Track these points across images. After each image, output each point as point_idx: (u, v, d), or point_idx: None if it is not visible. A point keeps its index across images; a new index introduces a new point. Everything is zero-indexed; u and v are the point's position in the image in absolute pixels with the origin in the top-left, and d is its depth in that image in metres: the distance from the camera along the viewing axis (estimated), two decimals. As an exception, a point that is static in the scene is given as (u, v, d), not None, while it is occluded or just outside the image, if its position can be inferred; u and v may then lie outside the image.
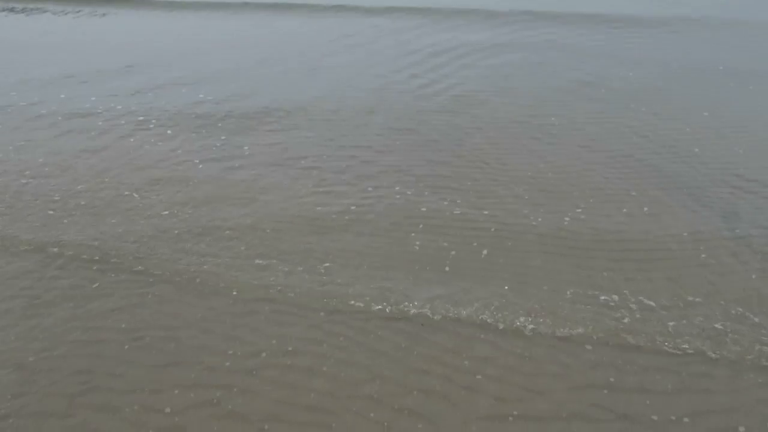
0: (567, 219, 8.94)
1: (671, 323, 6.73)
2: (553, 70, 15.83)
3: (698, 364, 6.20)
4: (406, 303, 7.20)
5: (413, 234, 8.64)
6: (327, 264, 8.01)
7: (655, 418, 5.63)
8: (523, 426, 5.56)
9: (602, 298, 7.18)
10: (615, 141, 11.54)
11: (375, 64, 16.61)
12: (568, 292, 7.31)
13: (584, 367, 6.19)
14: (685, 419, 5.61)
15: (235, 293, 7.54)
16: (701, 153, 10.86)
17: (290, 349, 6.58)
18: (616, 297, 7.18)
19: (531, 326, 6.74)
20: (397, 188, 9.91)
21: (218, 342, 6.72)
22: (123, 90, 15.15)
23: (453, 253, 8.19)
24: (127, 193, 10.11)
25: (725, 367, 6.16)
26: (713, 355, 6.29)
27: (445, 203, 9.42)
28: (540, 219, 8.93)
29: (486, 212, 9.13)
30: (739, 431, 5.49)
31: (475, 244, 8.37)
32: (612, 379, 6.03)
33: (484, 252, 8.19)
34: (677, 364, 6.21)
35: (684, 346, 6.41)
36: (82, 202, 9.84)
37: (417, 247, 8.34)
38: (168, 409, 5.87)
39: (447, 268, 7.89)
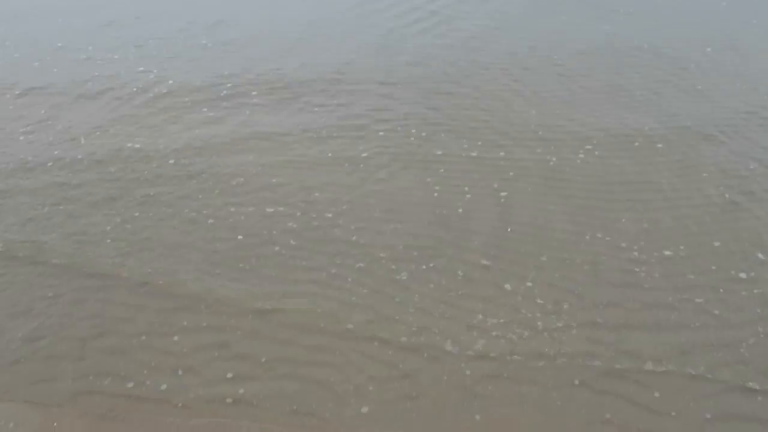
0: (581, 155, 8.93)
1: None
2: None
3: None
4: (413, 242, 7.26)
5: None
6: (333, 208, 8.02)
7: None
8: (527, 362, 5.65)
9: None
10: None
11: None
12: (587, 236, 7.34)
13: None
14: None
15: (240, 237, 7.59)
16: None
17: (295, 290, 6.66)
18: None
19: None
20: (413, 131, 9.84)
21: (224, 285, 6.80)
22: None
23: (468, 196, 8.20)
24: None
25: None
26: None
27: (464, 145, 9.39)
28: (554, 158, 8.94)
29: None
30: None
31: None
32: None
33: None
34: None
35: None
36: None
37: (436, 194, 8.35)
38: (177, 352, 5.99)
39: (460, 210, 7.92)
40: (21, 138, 9.91)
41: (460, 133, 9.73)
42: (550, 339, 5.88)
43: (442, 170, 8.71)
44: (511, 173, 8.59)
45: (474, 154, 9.12)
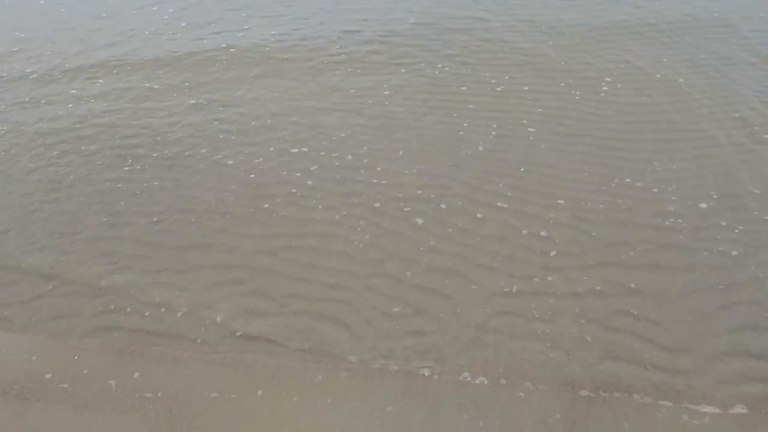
0: (605, 88, 8.80)
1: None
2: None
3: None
4: (430, 182, 7.23)
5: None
6: (351, 153, 7.98)
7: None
8: (539, 300, 5.69)
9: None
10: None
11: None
12: (606, 176, 7.27)
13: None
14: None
15: (252, 176, 7.59)
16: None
17: (309, 230, 6.69)
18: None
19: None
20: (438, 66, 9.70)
21: (239, 224, 6.84)
22: None
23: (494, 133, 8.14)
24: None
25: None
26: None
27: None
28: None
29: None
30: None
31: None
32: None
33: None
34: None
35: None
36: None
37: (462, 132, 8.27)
38: (193, 289, 6.07)
39: (481, 148, 7.85)
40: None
41: (484, 68, 9.67)
42: (564, 278, 5.89)
43: (469, 107, 8.68)
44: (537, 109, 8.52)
45: (499, 89, 9.08)
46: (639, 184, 7.05)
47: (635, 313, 5.52)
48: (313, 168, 7.65)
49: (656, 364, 5.05)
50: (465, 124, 8.33)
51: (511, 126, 8.27)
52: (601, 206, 6.75)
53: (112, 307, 5.96)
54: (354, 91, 9.28)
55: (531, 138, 7.99)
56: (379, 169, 7.57)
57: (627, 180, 7.11)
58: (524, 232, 6.45)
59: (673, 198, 6.80)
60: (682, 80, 9.10)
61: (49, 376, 5.28)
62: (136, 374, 5.25)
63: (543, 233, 6.42)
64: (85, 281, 6.26)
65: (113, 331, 5.72)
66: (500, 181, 7.20)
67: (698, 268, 5.94)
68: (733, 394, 4.80)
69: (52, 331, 5.77)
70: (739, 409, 4.68)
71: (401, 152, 7.83)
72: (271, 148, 8.11)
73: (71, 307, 6.00)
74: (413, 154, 7.80)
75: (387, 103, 8.93)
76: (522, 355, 5.20)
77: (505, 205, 6.82)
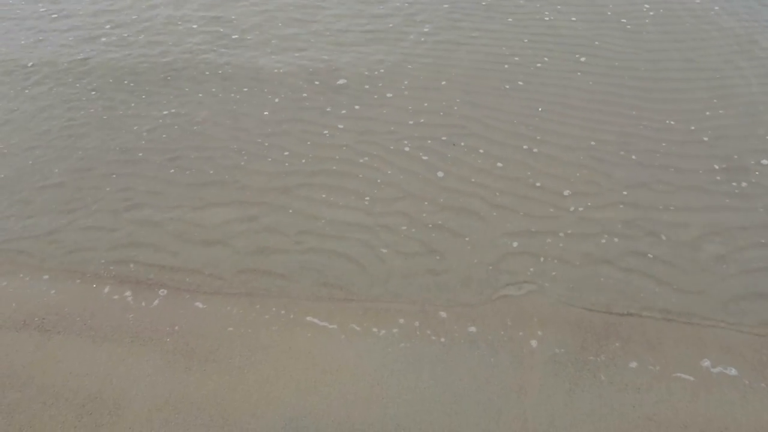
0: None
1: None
2: None
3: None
4: (445, 120, 7.13)
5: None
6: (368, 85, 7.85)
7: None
8: (554, 242, 5.66)
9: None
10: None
11: None
12: (623, 113, 7.12)
13: (617, 186, 6.18)
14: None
15: (266, 113, 7.51)
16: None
17: (322, 168, 6.64)
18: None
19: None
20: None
21: (252, 162, 6.80)
22: None
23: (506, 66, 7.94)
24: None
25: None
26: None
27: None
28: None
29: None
30: None
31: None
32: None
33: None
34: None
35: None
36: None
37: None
38: (208, 225, 6.10)
39: (497, 86, 7.70)
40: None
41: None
42: (578, 218, 5.85)
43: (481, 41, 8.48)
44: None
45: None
46: (669, 123, 6.92)
47: (650, 254, 5.49)
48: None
49: (670, 308, 5.05)
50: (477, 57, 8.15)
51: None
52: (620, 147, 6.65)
53: (128, 242, 6.00)
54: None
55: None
56: (387, 101, 7.46)
57: (652, 119, 6.98)
58: (542, 171, 6.38)
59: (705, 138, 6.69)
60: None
61: (67, 309, 5.37)
62: (153, 308, 5.33)
63: (560, 173, 6.35)
64: (101, 216, 6.30)
65: (129, 265, 5.78)
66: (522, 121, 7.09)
67: (717, 210, 5.87)
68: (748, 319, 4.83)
69: (69, 265, 5.83)
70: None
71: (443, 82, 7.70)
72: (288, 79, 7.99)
73: (88, 241, 6.05)
74: (427, 92, 7.66)
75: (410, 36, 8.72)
76: (534, 294, 5.21)
77: (525, 145, 6.74)
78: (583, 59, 8.09)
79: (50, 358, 4.97)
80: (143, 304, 5.39)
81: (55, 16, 10.03)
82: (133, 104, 7.88)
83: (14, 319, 5.31)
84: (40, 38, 9.42)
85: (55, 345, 5.07)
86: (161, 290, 5.50)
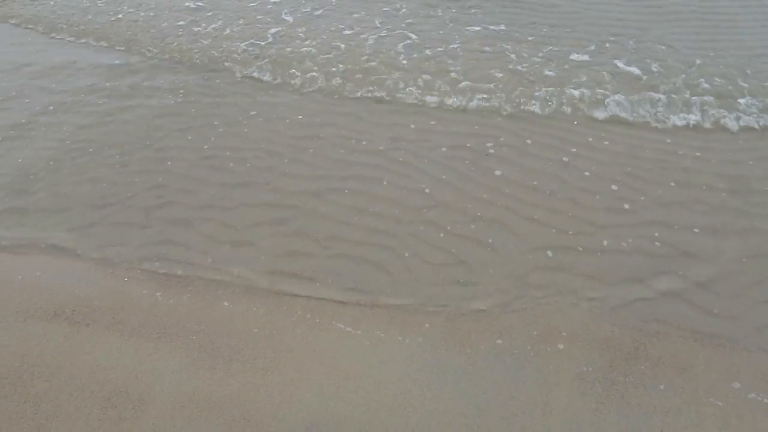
0: None
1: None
2: None
3: None
4: (476, 130, 7.09)
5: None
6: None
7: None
8: (586, 258, 5.58)
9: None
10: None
11: None
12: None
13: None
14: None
15: (300, 117, 7.56)
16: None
17: (353, 173, 6.65)
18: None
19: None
20: None
21: (284, 164, 6.85)
22: None
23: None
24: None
25: None
26: None
27: None
28: None
29: None
30: None
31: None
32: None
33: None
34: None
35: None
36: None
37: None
38: (238, 226, 6.14)
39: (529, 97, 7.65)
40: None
41: None
42: (610, 235, 5.76)
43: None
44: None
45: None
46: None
47: (684, 275, 5.38)
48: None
49: (703, 330, 4.93)
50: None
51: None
52: (657, 163, 6.53)
53: (159, 239, 6.08)
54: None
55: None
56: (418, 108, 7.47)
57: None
58: (576, 185, 6.31)
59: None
60: None
61: (97, 302, 5.44)
62: (181, 306, 5.38)
63: (594, 188, 6.26)
64: (133, 213, 6.39)
65: (159, 262, 5.84)
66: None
67: (754, 233, 5.74)
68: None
69: (101, 259, 5.92)
70: (787, 378, 4.57)
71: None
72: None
73: (120, 236, 6.14)
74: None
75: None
76: (563, 310, 5.13)
77: (556, 157, 6.67)
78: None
79: (78, 349, 5.03)
80: (171, 301, 5.44)
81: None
82: (170, 102, 8.00)
83: (45, 309, 5.40)
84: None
85: (84, 337, 5.14)
86: (189, 288, 5.55)
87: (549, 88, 7.68)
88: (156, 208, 6.42)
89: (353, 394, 4.57)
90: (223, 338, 5.06)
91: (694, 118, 7.15)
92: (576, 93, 7.52)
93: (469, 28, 9.26)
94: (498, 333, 4.97)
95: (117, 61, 9.24)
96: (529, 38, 8.91)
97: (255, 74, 8.46)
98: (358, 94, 7.92)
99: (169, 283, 5.63)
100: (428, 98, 7.68)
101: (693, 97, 7.40)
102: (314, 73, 8.34)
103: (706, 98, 7.38)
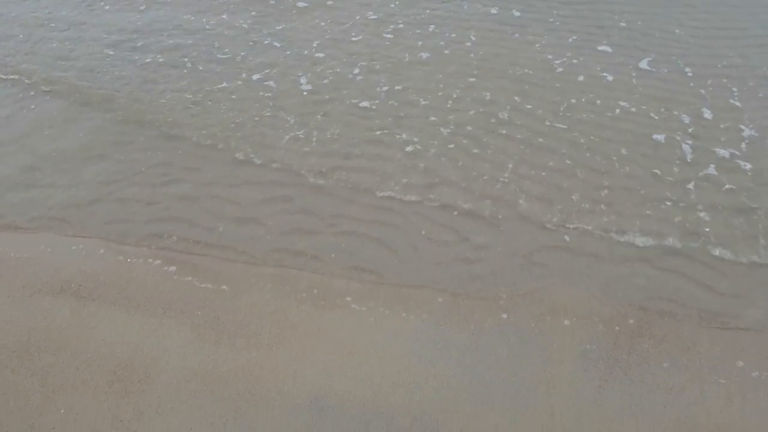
0: None
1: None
2: None
3: None
4: (484, 108, 7.05)
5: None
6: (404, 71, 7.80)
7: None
8: (589, 236, 5.56)
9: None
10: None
11: None
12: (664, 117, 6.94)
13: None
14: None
15: (305, 93, 7.52)
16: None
17: (359, 151, 6.63)
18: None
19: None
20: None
21: (289, 142, 6.82)
22: None
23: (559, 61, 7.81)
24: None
25: None
26: None
27: None
28: None
29: None
30: None
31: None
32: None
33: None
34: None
35: None
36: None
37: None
38: (243, 203, 6.14)
39: (539, 76, 7.58)
40: None
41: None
42: (616, 214, 5.72)
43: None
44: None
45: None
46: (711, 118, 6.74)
47: (689, 255, 5.35)
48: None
49: (709, 310, 4.91)
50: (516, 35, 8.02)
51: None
52: (665, 142, 6.48)
53: (165, 216, 6.08)
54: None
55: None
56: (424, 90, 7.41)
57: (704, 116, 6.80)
58: (583, 164, 6.27)
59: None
60: None
61: (103, 278, 5.46)
62: (186, 282, 5.39)
63: (601, 166, 6.22)
64: (138, 189, 6.39)
65: (165, 239, 5.85)
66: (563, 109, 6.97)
67: (758, 213, 5.70)
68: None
69: (107, 235, 5.93)
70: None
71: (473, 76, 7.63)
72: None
73: (125, 213, 6.15)
74: (468, 78, 7.58)
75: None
76: (568, 288, 5.13)
77: (567, 134, 6.62)
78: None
79: (85, 324, 5.06)
80: (176, 277, 5.45)
81: None
82: (175, 78, 7.97)
83: (52, 284, 5.43)
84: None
85: (90, 312, 5.17)
86: (194, 264, 5.56)
87: None
88: (161, 185, 6.42)
89: (357, 369, 4.59)
90: (228, 314, 5.08)
91: None
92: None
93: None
94: (502, 311, 4.97)
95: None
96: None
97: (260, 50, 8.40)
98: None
99: (174, 259, 5.64)
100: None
101: None
102: None
103: None
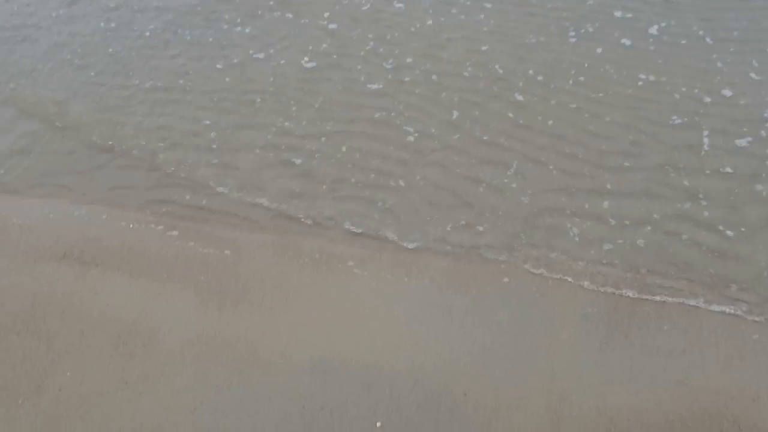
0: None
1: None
2: None
3: None
4: (486, 73, 6.96)
5: None
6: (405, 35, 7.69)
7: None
8: (591, 199, 5.54)
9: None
10: None
11: None
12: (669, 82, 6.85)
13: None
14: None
15: (306, 59, 7.43)
16: None
17: (360, 116, 6.58)
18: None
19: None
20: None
21: (290, 107, 6.77)
22: None
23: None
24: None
25: None
26: None
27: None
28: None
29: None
30: None
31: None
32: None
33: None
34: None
35: None
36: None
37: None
38: (244, 168, 6.12)
39: (533, 40, 7.47)
40: None
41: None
42: (620, 178, 5.69)
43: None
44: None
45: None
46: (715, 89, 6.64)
47: (693, 218, 5.33)
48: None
49: (711, 272, 4.92)
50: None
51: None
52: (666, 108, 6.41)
53: (166, 181, 6.08)
54: None
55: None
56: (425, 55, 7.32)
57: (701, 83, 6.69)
58: (584, 128, 6.21)
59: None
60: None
61: (105, 243, 5.48)
62: (188, 248, 5.41)
63: (603, 131, 6.17)
64: (139, 155, 6.37)
65: (166, 204, 5.86)
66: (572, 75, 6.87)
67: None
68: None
69: (108, 201, 5.94)
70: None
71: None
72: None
73: (127, 179, 6.15)
74: (469, 43, 7.46)
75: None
76: (570, 252, 5.13)
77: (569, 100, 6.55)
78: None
79: (88, 289, 5.10)
80: (178, 243, 5.47)
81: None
82: (174, 43, 7.88)
83: (55, 250, 5.45)
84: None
85: (94, 277, 5.20)
86: (196, 230, 5.57)
87: None
88: (161, 150, 6.39)
89: (359, 334, 4.63)
90: (231, 279, 5.10)
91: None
92: None
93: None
94: (503, 275, 4.98)
95: None
96: None
97: (259, 12, 8.28)
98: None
99: (176, 225, 5.65)
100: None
101: None
102: None
103: None
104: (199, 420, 4.21)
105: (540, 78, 6.83)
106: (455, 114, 6.46)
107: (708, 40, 7.21)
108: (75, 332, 4.76)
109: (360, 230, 5.45)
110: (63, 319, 4.86)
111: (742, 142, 5.93)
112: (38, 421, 4.28)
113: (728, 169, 5.67)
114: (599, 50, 7.15)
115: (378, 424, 4.11)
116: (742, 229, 5.18)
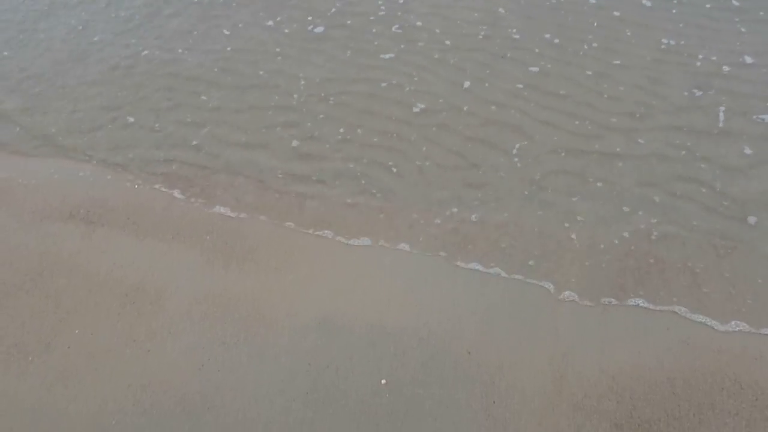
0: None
1: None
2: None
3: None
4: (490, 32, 6.86)
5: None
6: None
7: None
8: (598, 160, 5.51)
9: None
10: None
11: None
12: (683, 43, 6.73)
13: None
14: None
15: (310, 18, 7.33)
16: None
17: (365, 77, 6.51)
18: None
19: (620, 64, 6.35)
20: None
21: (294, 67, 6.70)
22: None
23: None
24: None
25: None
26: None
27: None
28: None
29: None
30: None
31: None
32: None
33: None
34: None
35: None
36: None
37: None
38: (249, 128, 6.09)
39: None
40: None
41: None
42: (626, 139, 5.64)
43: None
44: None
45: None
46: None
47: (699, 179, 5.29)
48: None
49: (716, 234, 4.90)
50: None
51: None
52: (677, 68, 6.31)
53: (170, 142, 6.06)
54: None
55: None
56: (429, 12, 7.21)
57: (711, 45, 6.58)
58: (592, 89, 6.14)
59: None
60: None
61: (111, 203, 5.49)
62: (194, 208, 5.42)
63: (611, 91, 6.09)
64: (143, 115, 6.34)
65: (171, 164, 5.85)
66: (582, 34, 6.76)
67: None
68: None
69: (113, 162, 5.93)
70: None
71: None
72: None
73: (131, 139, 6.13)
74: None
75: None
76: (575, 213, 5.11)
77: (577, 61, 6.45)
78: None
79: (95, 248, 5.13)
80: (183, 203, 5.48)
81: None
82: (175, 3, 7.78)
83: (61, 210, 5.47)
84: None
85: (100, 237, 5.22)
86: (202, 190, 5.57)
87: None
88: (166, 110, 6.36)
89: (364, 293, 4.65)
90: (237, 239, 5.12)
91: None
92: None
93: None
94: (508, 236, 4.98)
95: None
96: None
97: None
98: None
99: (181, 185, 5.65)
100: None
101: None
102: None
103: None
104: (206, 377, 4.27)
105: (557, 41, 6.73)
106: (466, 83, 6.37)
107: (734, 1, 7.07)
108: (83, 291, 4.81)
109: (365, 190, 5.44)
110: (70, 278, 4.90)
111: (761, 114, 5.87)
112: (48, 378, 4.34)
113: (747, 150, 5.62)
114: (617, 13, 7.01)
115: (383, 381, 4.16)
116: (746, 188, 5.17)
